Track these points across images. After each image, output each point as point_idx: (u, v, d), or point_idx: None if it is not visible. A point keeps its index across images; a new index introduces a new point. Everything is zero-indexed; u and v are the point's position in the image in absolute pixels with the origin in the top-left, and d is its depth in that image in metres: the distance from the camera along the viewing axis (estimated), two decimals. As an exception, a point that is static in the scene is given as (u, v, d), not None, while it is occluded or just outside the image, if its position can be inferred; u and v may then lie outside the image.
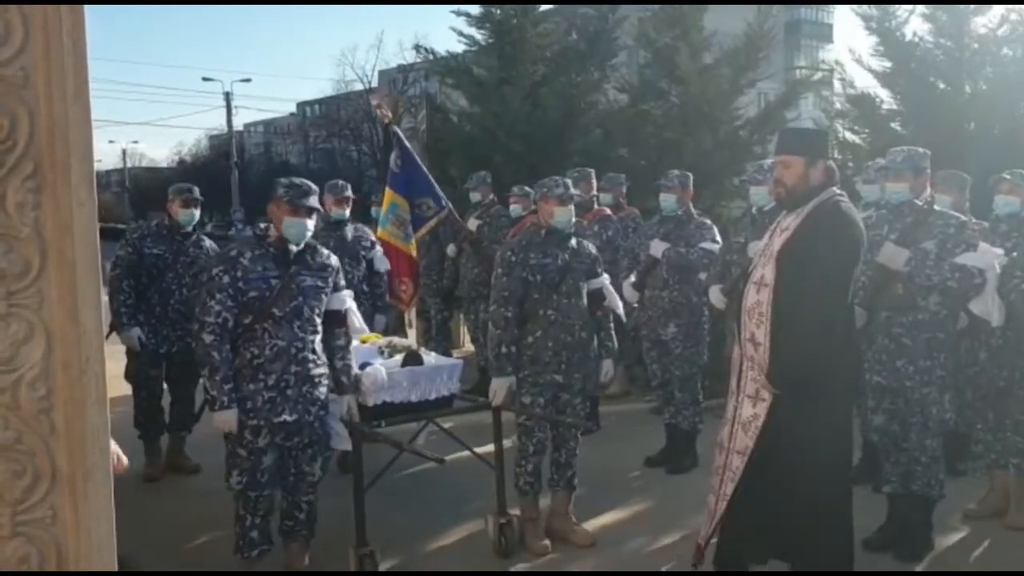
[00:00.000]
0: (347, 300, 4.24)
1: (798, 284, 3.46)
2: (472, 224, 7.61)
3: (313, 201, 3.97)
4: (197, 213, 5.81)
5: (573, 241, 4.62)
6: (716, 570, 3.86)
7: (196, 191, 5.83)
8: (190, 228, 5.77)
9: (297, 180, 4.04)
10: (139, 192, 57.73)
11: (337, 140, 52.15)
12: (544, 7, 11.68)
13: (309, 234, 3.98)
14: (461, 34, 11.36)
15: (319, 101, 57.21)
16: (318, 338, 4.01)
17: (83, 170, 1.74)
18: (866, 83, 9.02)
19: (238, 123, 53.46)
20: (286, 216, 3.91)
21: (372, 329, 5.37)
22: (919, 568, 4.23)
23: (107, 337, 4.67)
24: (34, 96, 1.69)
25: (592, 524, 4.79)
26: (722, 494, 3.74)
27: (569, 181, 4.68)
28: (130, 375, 5.77)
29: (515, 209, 7.28)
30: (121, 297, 5.54)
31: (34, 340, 1.71)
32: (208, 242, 5.99)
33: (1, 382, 1.71)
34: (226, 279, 3.84)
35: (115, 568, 1.85)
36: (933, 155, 4.40)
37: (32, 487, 1.74)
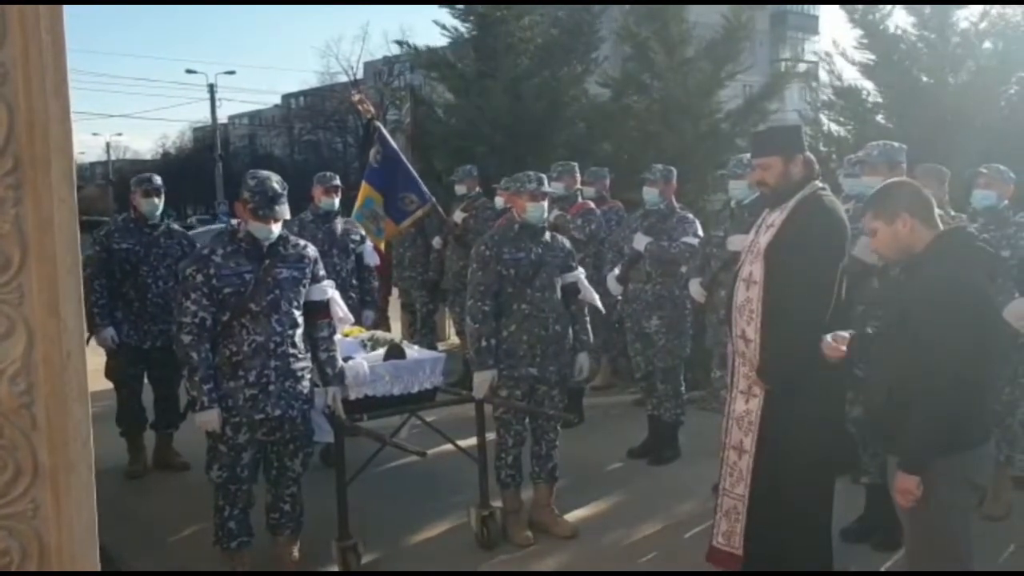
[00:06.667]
0: (328, 290, 4.20)
1: (786, 280, 3.49)
2: (457, 217, 7.61)
3: (279, 211, 3.85)
4: (159, 202, 5.67)
5: (547, 235, 4.62)
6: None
7: (156, 179, 5.73)
8: (157, 219, 5.69)
9: (264, 185, 3.84)
10: (123, 185, 57.34)
11: (322, 132, 51.94)
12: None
13: (275, 236, 3.90)
14: (445, 27, 11.37)
15: (304, 93, 56.95)
16: (299, 332, 3.98)
17: (63, 166, 1.74)
18: (850, 76, 9.03)
19: (222, 115, 53.23)
20: (251, 220, 3.86)
21: (361, 323, 5.37)
22: (895, 558, 4.28)
23: (87, 341, 4.63)
24: (13, 92, 1.69)
25: (574, 516, 4.81)
26: (721, 488, 3.82)
27: (544, 176, 4.68)
28: (110, 373, 5.72)
29: (500, 202, 7.28)
30: (93, 297, 5.41)
31: (15, 335, 1.72)
32: (179, 230, 5.93)
33: (-18, 377, 1.71)
34: (199, 278, 3.80)
35: (97, 561, 1.86)
36: (917, 148, 4.42)
37: (13, 481, 1.75)
